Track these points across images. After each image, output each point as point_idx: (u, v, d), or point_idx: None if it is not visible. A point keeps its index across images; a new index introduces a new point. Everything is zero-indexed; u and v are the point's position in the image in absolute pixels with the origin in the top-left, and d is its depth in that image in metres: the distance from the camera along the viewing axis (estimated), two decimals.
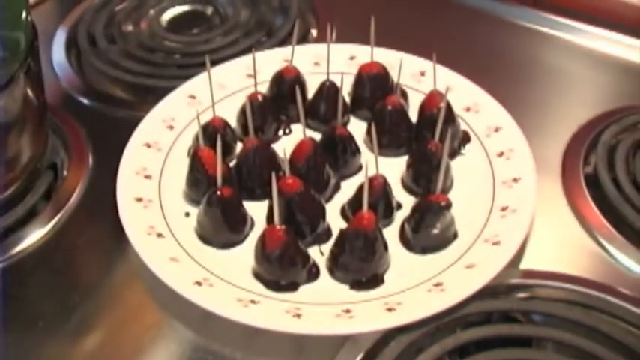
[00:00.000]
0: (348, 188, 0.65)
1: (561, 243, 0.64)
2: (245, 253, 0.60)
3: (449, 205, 0.59)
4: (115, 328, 0.59)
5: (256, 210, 0.63)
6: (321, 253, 0.60)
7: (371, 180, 0.60)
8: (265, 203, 0.63)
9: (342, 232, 0.58)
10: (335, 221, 0.63)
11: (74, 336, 0.58)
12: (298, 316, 0.55)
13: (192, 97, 0.72)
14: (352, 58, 0.76)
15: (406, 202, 0.64)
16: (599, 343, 0.54)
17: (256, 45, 0.79)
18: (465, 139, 0.69)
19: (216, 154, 0.60)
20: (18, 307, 0.60)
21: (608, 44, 0.82)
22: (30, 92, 0.63)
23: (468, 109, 0.71)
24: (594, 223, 0.64)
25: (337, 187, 0.66)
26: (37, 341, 0.58)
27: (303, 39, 0.83)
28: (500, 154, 0.67)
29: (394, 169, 0.66)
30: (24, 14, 0.62)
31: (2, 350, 0.58)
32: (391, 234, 0.62)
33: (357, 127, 0.70)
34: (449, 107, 0.67)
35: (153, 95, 0.74)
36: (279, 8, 0.87)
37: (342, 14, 0.84)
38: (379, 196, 0.61)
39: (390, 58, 0.73)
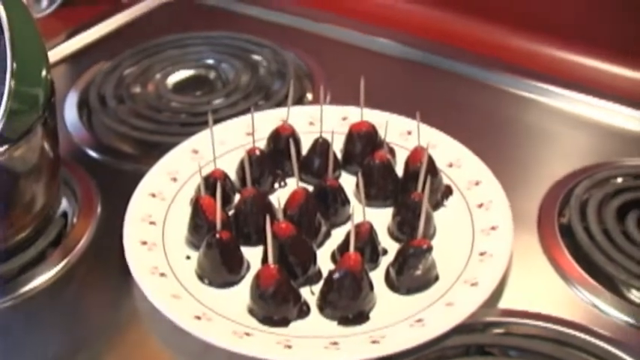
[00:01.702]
0: (338, 235, 0.70)
1: (537, 287, 0.67)
2: (241, 292, 0.65)
3: (430, 248, 0.64)
4: None
5: (253, 255, 0.68)
6: (312, 292, 0.65)
7: (358, 226, 0.66)
8: (261, 249, 0.67)
9: (330, 272, 0.63)
10: (325, 265, 0.67)
11: None
12: (289, 347, 0.59)
13: (195, 151, 0.77)
14: (344, 118, 0.81)
15: (391, 248, 0.68)
16: None
17: (255, 107, 0.85)
18: (447, 192, 0.74)
19: (216, 202, 0.65)
20: (26, 346, 0.64)
21: (584, 107, 0.87)
22: (46, 144, 0.68)
23: (450, 165, 0.76)
24: (568, 269, 0.68)
25: (328, 234, 0.70)
26: None
27: (299, 101, 0.89)
28: (480, 205, 0.72)
29: (381, 218, 0.71)
30: (44, 72, 0.68)
31: None
32: (377, 277, 0.66)
33: (347, 181, 0.75)
34: (431, 161, 0.72)
35: (158, 150, 0.78)
36: (277, 73, 0.93)
37: (335, 79, 0.91)
38: (366, 240, 0.66)
39: (378, 119, 0.78)
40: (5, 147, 0.62)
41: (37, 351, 0.63)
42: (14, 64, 0.63)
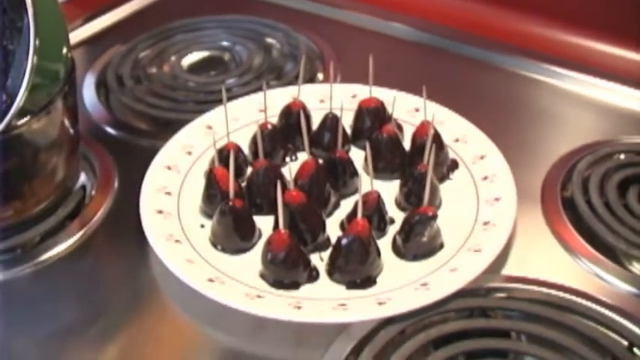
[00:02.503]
0: (347, 206, 0.72)
1: (540, 257, 0.69)
2: (253, 258, 0.67)
3: (435, 216, 0.66)
4: (137, 327, 0.65)
5: (264, 223, 0.70)
6: (321, 259, 0.67)
7: (366, 194, 0.68)
8: (272, 218, 0.69)
9: (338, 238, 0.65)
10: (334, 234, 0.69)
11: (99, 340, 0.64)
12: (299, 307, 0.62)
13: (209, 127, 0.80)
14: (354, 96, 0.84)
15: (399, 218, 0.70)
16: (570, 337, 0.60)
17: (267, 86, 0.87)
18: (453, 165, 0.76)
19: (229, 172, 0.68)
20: (45, 312, 0.66)
21: (588, 87, 0.90)
22: (66, 118, 0.71)
23: (457, 140, 0.78)
24: (570, 240, 0.70)
25: (337, 205, 0.73)
26: (63, 345, 0.64)
27: (311, 81, 0.91)
28: (485, 178, 0.74)
29: (389, 190, 0.73)
30: (64, 49, 0.71)
31: (27, 353, 0.64)
32: (385, 245, 0.68)
33: (356, 156, 0.77)
34: (437, 135, 0.74)
35: (173, 127, 0.81)
36: (289, 55, 0.95)
37: (346, 61, 0.93)
38: (373, 208, 0.68)
39: (386, 96, 0.81)
40: (27, 118, 0.65)
41: (56, 317, 0.66)
42: (37, 41, 0.66)
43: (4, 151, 0.65)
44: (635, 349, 0.60)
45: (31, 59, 0.64)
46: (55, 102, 0.68)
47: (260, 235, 0.70)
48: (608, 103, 0.88)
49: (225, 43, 1.00)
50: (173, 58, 0.97)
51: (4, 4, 0.72)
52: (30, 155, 0.69)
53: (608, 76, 0.90)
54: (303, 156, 0.75)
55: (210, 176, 0.71)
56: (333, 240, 0.68)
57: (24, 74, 0.65)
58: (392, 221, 0.71)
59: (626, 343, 0.61)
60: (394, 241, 0.69)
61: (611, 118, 0.86)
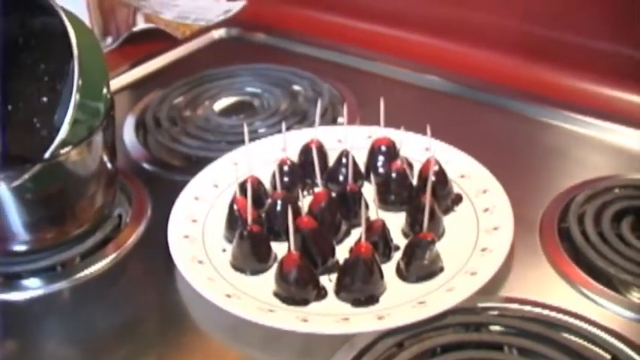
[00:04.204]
0: (357, 235, 0.78)
1: (535, 282, 0.74)
2: (268, 279, 0.73)
3: (433, 240, 0.73)
4: (164, 338, 0.72)
5: (281, 249, 0.76)
6: (330, 280, 0.74)
7: (372, 222, 0.75)
8: None
9: (345, 260, 0.72)
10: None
11: (130, 345, 0.71)
12: (306, 320, 0.68)
13: (235, 163, 0.87)
14: (369, 137, 0.90)
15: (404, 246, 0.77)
16: (558, 351, 0.65)
17: (291, 128, 0.95)
18: (458, 199, 0.82)
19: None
20: (81, 323, 0.74)
21: (591, 128, 0.96)
22: (104, 150, 0.79)
23: (462, 176, 0.85)
24: (564, 266, 0.75)
25: (347, 233, 0.79)
26: (96, 357, 0.70)
27: (333, 124, 0.99)
28: (486, 210, 0.80)
29: (397, 221, 0.80)
30: (104, 90, 0.79)
31: None
32: (389, 269, 0.75)
33: (369, 190, 0.83)
34: (442, 171, 0.81)
35: (203, 164, 0.88)
36: (313, 101, 1.02)
37: (366, 106, 1.01)
38: (379, 235, 0.75)
39: (397, 136, 0.88)
40: (69, 148, 0.73)
41: (89, 328, 0.73)
42: (80, 81, 0.74)
43: (49, 178, 0.73)
44: None
45: (74, 96, 0.73)
46: (94, 135, 0.75)
47: (276, 259, 0.76)
48: (610, 143, 0.94)
49: (254, 90, 1.08)
50: (206, 103, 1.05)
51: (55, 48, 0.81)
52: (71, 183, 0.76)
53: (611, 118, 0.96)
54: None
55: (232, 205, 0.78)
56: None
57: (67, 111, 0.73)
58: (397, 248, 0.77)
59: (609, 356, 0.65)
60: (398, 265, 0.75)
61: (613, 156, 0.92)
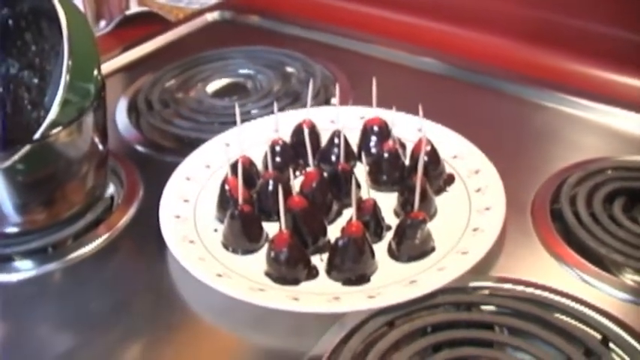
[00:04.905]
0: (349, 215, 0.78)
1: (527, 261, 0.74)
2: (259, 259, 0.73)
3: (424, 220, 0.73)
4: (154, 317, 0.72)
5: (272, 229, 0.76)
6: (321, 260, 0.74)
7: (363, 201, 0.75)
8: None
9: (335, 239, 0.72)
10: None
11: (121, 328, 0.71)
12: (297, 299, 0.68)
13: (227, 144, 0.87)
14: (361, 117, 0.90)
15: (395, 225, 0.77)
16: (549, 331, 0.65)
17: (283, 109, 0.95)
18: (450, 179, 0.82)
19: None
20: (72, 304, 0.73)
21: (587, 110, 0.96)
22: (95, 131, 0.78)
23: (454, 157, 0.84)
24: (556, 246, 0.75)
25: (339, 213, 0.79)
26: (88, 339, 0.70)
27: (326, 104, 0.99)
28: (478, 190, 0.80)
29: (388, 201, 0.80)
30: (95, 71, 0.79)
31: (54, 342, 0.70)
32: (381, 249, 0.74)
33: (361, 171, 0.83)
34: (434, 151, 0.81)
35: (196, 145, 0.88)
36: (306, 82, 1.02)
37: (358, 86, 1.00)
38: (370, 214, 0.75)
39: (389, 116, 0.87)
40: (59, 129, 0.72)
41: (81, 308, 0.73)
42: (70, 62, 0.74)
43: (39, 159, 0.73)
44: (611, 343, 0.65)
45: (64, 77, 0.72)
46: (84, 116, 0.75)
47: (267, 239, 0.76)
48: (603, 125, 0.94)
49: (247, 71, 1.08)
50: (199, 85, 1.05)
51: (45, 30, 0.81)
52: (62, 164, 0.76)
53: (605, 100, 0.96)
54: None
55: (223, 185, 0.78)
56: None
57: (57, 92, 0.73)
58: (388, 228, 0.76)
59: (599, 336, 0.65)
60: (389, 245, 0.75)
61: (606, 138, 0.92)
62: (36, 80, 0.86)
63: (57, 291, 0.76)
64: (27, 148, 0.71)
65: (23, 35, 0.85)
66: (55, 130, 0.72)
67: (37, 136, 0.71)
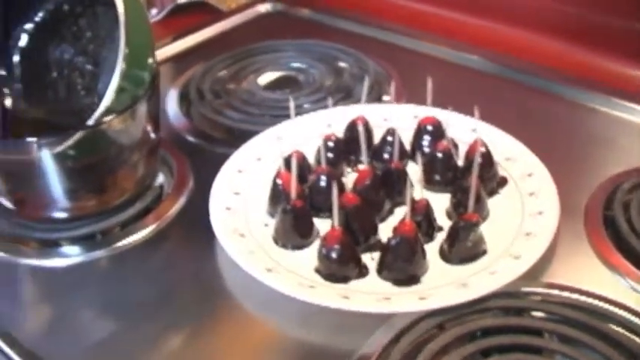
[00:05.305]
0: (400, 213, 0.77)
1: (578, 268, 0.73)
2: (310, 255, 0.73)
3: (478, 222, 0.72)
4: (199, 309, 0.71)
5: (322, 225, 0.76)
6: (372, 259, 0.73)
7: (416, 201, 0.74)
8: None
9: (388, 239, 0.71)
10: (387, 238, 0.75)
11: (166, 318, 0.70)
12: (347, 298, 0.67)
13: (279, 137, 0.87)
14: (415, 117, 0.89)
15: (447, 227, 0.76)
16: (599, 340, 0.64)
17: (336, 104, 0.94)
18: (503, 182, 0.81)
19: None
20: (117, 294, 0.73)
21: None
22: (148, 120, 0.78)
23: (508, 159, 0.83)
24: (608, 254, 0.73)
25: (391, 212, 0.78)
26: (131, 326, 0.70)
27: (378, 102, 0.98)
28: (531, 194, 0.79)
29: (442, 202, 0.79)
30: (150, 60, 0.78)
31: (96, 331, 0.70)
32: (432, 250, 0.74)
33: (413, 170, 0.82)
34: (488, 153, 0.80)
35: (246, 137, 0.88)
36: (359, 77, 1.01)
37: (411, 84, 0.99)
38: (422, 214, 0.74)
39: (444, 117, 0.86)
40: (112, 116, 0.72)
41: (126, 296, 0.73)
42: (126, 49, 0.73)
43: (91, 145, 0.73)
44: None
45: (119, 64, 0.72)
46: (138, 104, 0.75)
47: (318, 235, 0.75)
48: None
49: (299, 65, 1.08)
50: (250, 77, 1.05)
51: (101, 17, 0.81)
52: (113, 151, 0.76)
53: None
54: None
55: (276, 179, 0.77)
56: None
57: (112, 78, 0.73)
58: (440, 229, 0.76)
59: None
60: (441, 246, 0.74)
61: None
62: (90, 66, 0.86)
63: (103, 278, 0.76)
64: (80, 134, 0.71)
65: (78, 21, 0.85)
66: (108, 117, 0.72)
67: (90, 122, 0.71)
